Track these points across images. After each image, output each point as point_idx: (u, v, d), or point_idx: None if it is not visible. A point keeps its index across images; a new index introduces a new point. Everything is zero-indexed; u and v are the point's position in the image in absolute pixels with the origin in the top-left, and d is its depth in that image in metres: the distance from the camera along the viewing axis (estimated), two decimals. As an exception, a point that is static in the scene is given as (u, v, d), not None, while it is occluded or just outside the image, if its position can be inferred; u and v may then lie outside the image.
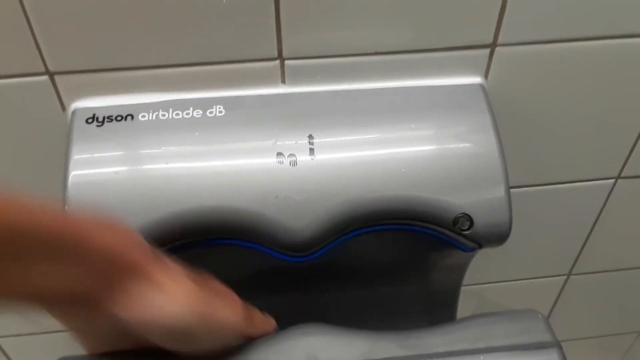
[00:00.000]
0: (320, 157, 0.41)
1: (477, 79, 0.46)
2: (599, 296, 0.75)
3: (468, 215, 0.42)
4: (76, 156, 0.40)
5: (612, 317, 0.81)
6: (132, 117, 0.41)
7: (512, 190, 0.55)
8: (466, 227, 0.42)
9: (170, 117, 0.41)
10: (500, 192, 0.42)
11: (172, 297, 0.30)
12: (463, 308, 0.58)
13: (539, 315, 0.37)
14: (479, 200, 0.42)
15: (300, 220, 0.40)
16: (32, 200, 0.26)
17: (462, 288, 0.61)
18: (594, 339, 0.85)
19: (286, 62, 0.43)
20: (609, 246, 0.67)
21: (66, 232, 0.27)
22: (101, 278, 0.28)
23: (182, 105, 0.42)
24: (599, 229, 0.63)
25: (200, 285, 0.32)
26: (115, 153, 0.40)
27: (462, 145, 0.43)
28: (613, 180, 0.58)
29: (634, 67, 0.48)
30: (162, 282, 0.30)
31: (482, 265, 0.64)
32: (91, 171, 0.40)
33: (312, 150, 0.41)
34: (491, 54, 0.45)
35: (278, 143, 0.41)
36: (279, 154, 0.41)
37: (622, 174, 0.57)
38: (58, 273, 0.27)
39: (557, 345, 0.35)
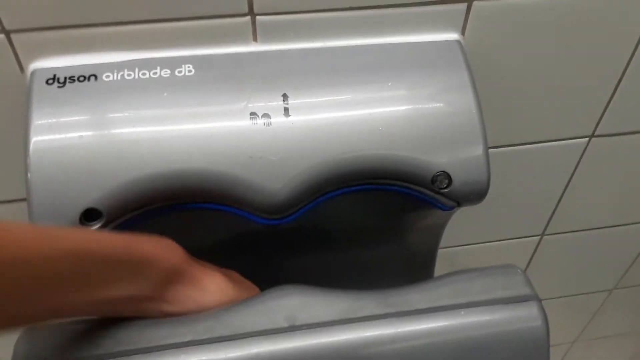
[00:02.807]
0: (295, 117, 0.40)
1: (454, 35, 0.45)
2: (572, 256, 0.77)
3: (446, 173, 0.41)
4: (37, 121, 0.38)
5: (584, 276, 0.83)
6: (96, 77, 0.39)
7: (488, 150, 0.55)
8: (445, 185, 0.41)
9: (136, 77, 0.39)
10: (478, 149, 0.42)
11: (210, 293, 0.36)
12: (439, 271, 0.58)
13: (518, 270, 0.37)
14: (458, 158, 0.41)
15: (276, 181, 0.39)
16: (90, 230, 0.36)
17: (438, 251, 0.61)
18: (566, 297, 0.87)
19: (257, 18, 0.41)
20: (582, 206, 0.68)
21: (125, 252, 0.31)
22: (155, 283, 0.33)
23: (149, 64, 0.40)
24: (572, 189, 0.64)
25: (230, 279, 0.38)
26: (78, 117, 0.38)
27: (439, 103, 0.42)
28: (587, 139, 0.58)
29: (610, 22, 0.47)
30: (200, 280, 0.36)
31: (457, 227, 0.64)
32: (54, 136, 0.38)
33: (286, 110, 0.40)
34: (468, 8, 0.44)
35: (251, 103, 0.39)
36: (253, 114, 0.39)
37: (596, 133, 0.58)
38: (121, 285, 0.31)
39: (536, 298, 0.35)
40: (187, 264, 0.36)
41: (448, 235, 0.67)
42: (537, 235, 0.71)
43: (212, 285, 0.36)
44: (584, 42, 0.48)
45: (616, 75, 0.52)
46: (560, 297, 0.86)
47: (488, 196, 0.62)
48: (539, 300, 0.35)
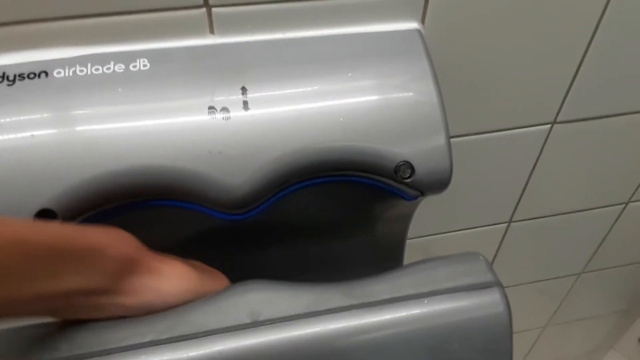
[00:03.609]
0: (254, 110, 0.39)
1: (413, 24, 0.45)
2: (539, 242, 0.78)
3: (409, 163, 0.41)
4: (-13, 121, 0.37)
5: (552, 261, 0.85)
6: (47, 74, 0.38)
7: (451, 139, 0.55)
8: (407, 175, 0.41)
9: (89, 72, 0.38)
10: (440, 139, 0.42)
11: (170, 281, 0.34)
12: (409, 261, 0.59)
13: (480, 257, 0.37)
14: (420, 147, 0.41)
15: (237, 176, 0.38)
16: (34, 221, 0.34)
17: (407, 241, 0.61)
18: (535, 283, 0.88)
19: (213, 9, 0.40)
20: (547, 191, 0.68)
21: (71, 242, 0.30)
22: (107, 275, 0.31)
23: (102, 59, 0.39)
24: (537, 175, 0.65)
25: (192, 267, 0.36)
26: (29, 116, 0.37)
27: (400, 93, 0.42)
28: (549, 126, 0.59)
29: (568, 9, 0.48)
30: (159, 268, 0.34)
31: (425, 217, 0.65)
32: (4, 137, 0.36)
33: (245, 104, 0.39)
34: (427, -3, 0.44)
35: (209, 97, 0.39)
36: (211, 108, 0.39)
37: (558, 119, 0.58)
38: (69, 277, 0.30)
39: (498, 284, 0.35)
40: (142, 253, 0.34)
41: (419, 225, 0.67)
42: (505, 223, 0.72)
43: (171, 273, 0.35)
44: (543, 29, 0.49)
45: (575, 62, 0.53)
46: (530, 282, 0.88)
47: (455, 185, 0.62)
48: (501, 287, 0.36)
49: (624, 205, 0.75)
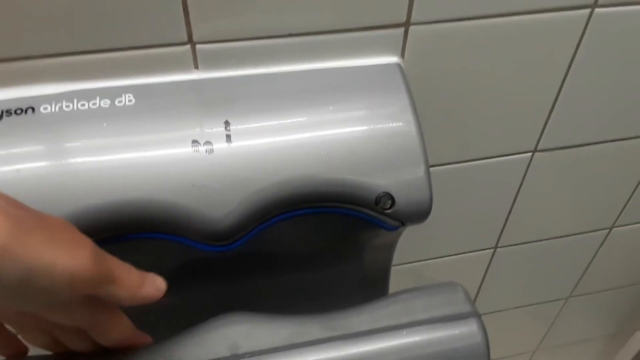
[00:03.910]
0: (237, 143, 0.40)
1: (393, 59, 0.46)
2: (526, 266, 0.79)
3: (389, 194, 0.42)
4: (-26, 155, 0.37)
5: (540, 285, 0.85)
6: (33, 109, 0.39)
7: (433, 168, 0.56)
8: (388, 206, 0.42)
9: (75, 108, 0.39)
10: (420, 170, 0.43)
11: None
12: (395, 288, 0.59)
13: (459, 288, 0.38)
14: (400, 179, 0.42)
15: (220, 208, 0.39)
16: None
17: (394, 268, 0.62)
18: (524, 307, 0.89)
19: (197, 46, 0.41)
20: (532, 217, 0.69)
21: None
22: None
23: (88, 95, 0.40)
24: (521, 202, 0.66)
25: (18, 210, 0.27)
26: (16, 150, 0.38)
27: (380, 125, 0.43)
28: (530, 154, 0.60)
29: (544, 40, 0.49)
30: None
31: (412, 243, 0.66)
32: (-9, 170, 0.37)
33: (228, 137, 0.40)
34: (406, 32, 0.45)
35: (192, 131, 0.40)
36: (194, 141, 0.39)
37: (539, 147, 0.60)
38: None
39: (476, 315, 0.36)
40: None
41: (406, 251, 0.68)
42: (491, 248, 0.72)
43: None
44: (520, 60, 0.50)
45: (553, 92, 0.54)
46: (519, 307, 0.88)
47: (440, 211, 0.63)
48: (479, 317, 0.36)
49: (608, 231, 0.76)
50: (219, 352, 0.33)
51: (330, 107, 0.43)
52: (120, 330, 0.33)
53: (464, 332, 0.35)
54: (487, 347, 0.35)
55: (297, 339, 0.33)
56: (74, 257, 0.28)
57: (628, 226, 0.77)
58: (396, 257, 0.63)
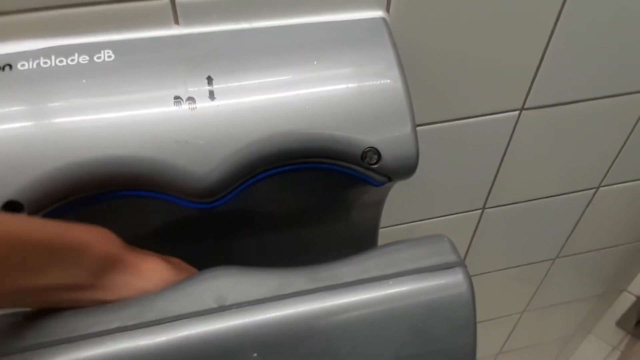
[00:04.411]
0: (220, 100, 0.39)
1: (379, 13, 0.46)
2: (514, 227, 0.79)
3: (375, 149, 0.42)
4: (-49, 114, 0.37)
5: (527, 247, 0.86)
6: (11, 66, 0.38)
7: (420, 127, 0.56)
8: (374, 161, 0.42)
9: (53, 64, 0.38)
10: (406, 125, 0.43)
11: (147, 277, 0.35)
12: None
13: (445, 239, 0.38)
14: (386, 134, 0.42)
15: (204, 165, 0.39)
16: (21, 215, 0.34)
17: (382, 230, 0.62)
18: (512, 269, 0.90)
19: (177, 0, 0.40)
20: (519, 178, 0.70)
21: (58, 239, 0.31)
22: (89, 271, 0.33)
23: (66, 51, 0.39)
24: (508, 162, 0.66)
25: (169, 263, 0.37)
26: (-6, 107, 0.37)
27: (366, 81, 0.42)
28: (518, 112, 0.60)
29: (529, -4, 0.49)
30: (138, 265, 0.35)
31: (400, 205, 0.66)
32: (-31, 129, 0.36)
33: (211, 93, 0.39)
34: (391, -15, 0.44)
35: (175, 88, 0.39)
36: (177, 98, 0.39)
37: (526, 106, 0.59)
38: (53, 273, 0.31)
39: (461, 264, 0.36)
40: (123, 250, 0.35)
41: (393, 213, 0.68)
42: (479, 209, 0.73)
43: (149, 270, 0.36)
44: (507, 14, 0.50)
45: (540, 48, 0.54)
46: (507, 268, 0.89)
47: (427, 172, 0.63)
48: (464, 266, 0.36)
49: (594, 190, 0.77)
50: (206, 304, 0.33)
51: (315, 63, 0.42)
52: None
53: (450, 281, 0.35)
54: (472, 295, 0.36)
55: (283, 290, 0.34)
56: None
57: (615, 185, 0.77)
58: (384, 219, 0.63)
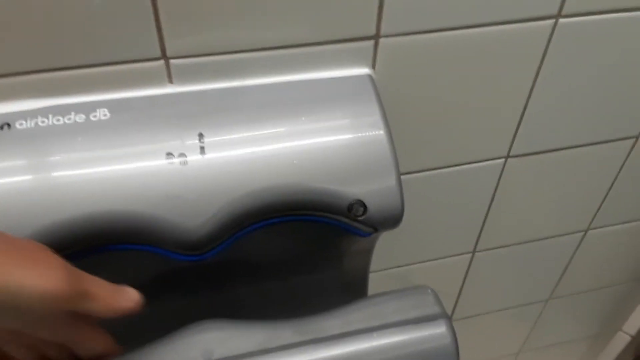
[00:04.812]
0: (211, 155, 0.41)
1: (364, 70, 0.48)
2: (505, 269, 0.80)
3: (361, 201, 0.43)
4: (-49, 172, 0.38)
5: (520, 288, 0.87)
6: (9, 125, 0.39)
7: (406, 175, 0.58)
8: (360, 213, 0.43)
9: (50, 123, 0.40)
10: (391, 177, 0.44)
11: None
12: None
13: (429, 290, 0.39)
14: (371, 186, 0.43)
15: (194, 218, 0.40)
16: None
17: (374, 274, 0.63)
18: (505, 310, 0.90)
19: (171, 61, 0.42)
20: (507, 222, 0.71)
21: None
22: None
23: (63, 110, 0.40)
24: (496, 206, 0.67)
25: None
26: (-7, 165, 0.38)
27: (352, 134, 0.44)
28: (503, 160, 0.62)
29: (510, 51, 0.51)
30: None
31: (391, 249, 0.67)
32: (-32, 186, 0.38)
33: (202, 149, 0.41)
34: (376, 45, 0.47)
35: (167, 144, 0.40)
36: (169, 154, 0.40)
37: (511, 153, 0.61)
38: None
39: (445, 316, 0.37)
40: None
41: (385, 258, 0.69)
42: (469, 253, 0.74)
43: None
44: (489, 70, 0.52)
45: (522, 100, 0.56)
46: (499, 310, 0.89)
47: (416, 218, 0.64)
48: (448, 318, 0.37)
49: (583, 233, 0.78)
50: (193, 357, 0.33)
51: (303, 118, 0.44)
52: (100, 344, 0.34)
53: (433, 333, 0.36)
54: (456, 347, 0.36)
55: (270, 343, 0.34)
56: (44, 277, 0.28)
57: (603, 228, 0.78)
58: (376, 263, 0.64)
